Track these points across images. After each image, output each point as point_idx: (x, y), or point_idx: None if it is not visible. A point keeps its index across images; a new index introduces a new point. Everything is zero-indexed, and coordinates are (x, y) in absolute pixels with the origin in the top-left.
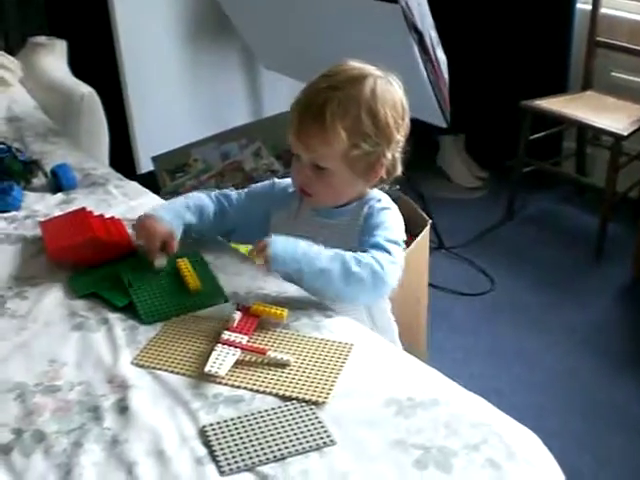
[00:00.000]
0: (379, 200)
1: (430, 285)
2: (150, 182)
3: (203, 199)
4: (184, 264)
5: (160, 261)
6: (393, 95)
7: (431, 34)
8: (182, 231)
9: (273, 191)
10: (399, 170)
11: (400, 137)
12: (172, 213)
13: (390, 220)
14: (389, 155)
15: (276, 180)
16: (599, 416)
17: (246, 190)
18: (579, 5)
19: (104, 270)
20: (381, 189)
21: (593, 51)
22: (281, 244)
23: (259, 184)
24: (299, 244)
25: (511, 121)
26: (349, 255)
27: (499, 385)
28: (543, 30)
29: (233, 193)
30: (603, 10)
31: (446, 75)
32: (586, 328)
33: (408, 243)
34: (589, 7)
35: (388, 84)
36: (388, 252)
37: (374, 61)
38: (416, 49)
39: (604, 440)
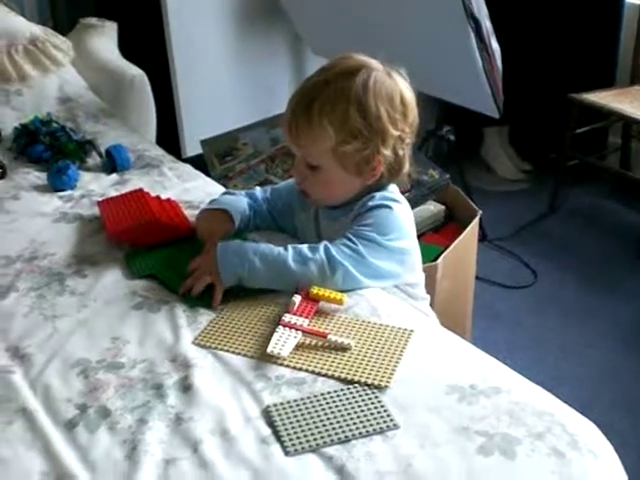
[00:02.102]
0: (373, 197)
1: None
2: (196, 166)
3: (244, 200)
4: None
5: None
6: (390, 89)
7: (486, 24)
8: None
9: (295, 189)
10: (406, 168)
11: (398, 133)
12: (235, 209)
13: (378, 218)
14: (386, 152)
15: None
16: None
17: (270, 187)
18: (628, 0)
19: (160, 252)
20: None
21: None
22: (228, 249)
23: (283, 182)
24: (244, 244)
25: (555, 114)
26: (305, 244)
27: (541, 379)
28: (592, 24)
29: (259, 192)
30: None
31: (500, 65)
32: (630, 323)
33: (455, 233)
34: (638, 2)
35: (386, 77)
36: (352, 242)
37: (430, 50)
38: (473, 38)
39: None
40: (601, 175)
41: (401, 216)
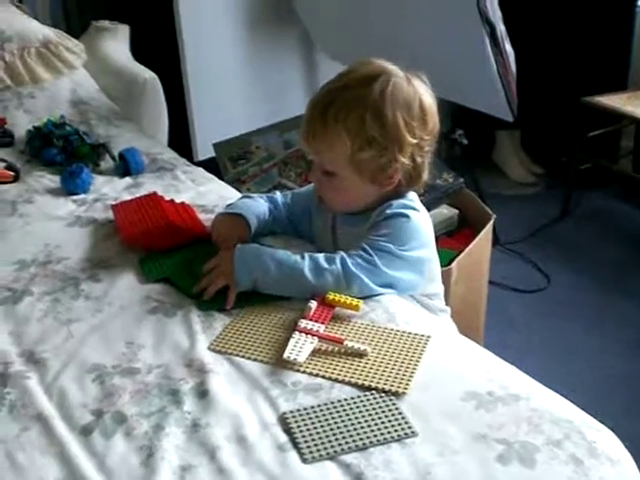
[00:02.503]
0: (390, 205)
1: None
2: (208, 170)
3: (263, 204)
4: None
5: None
6: (408, 95)
7: (500, 27)
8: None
9: (312, 194)
10: (425, 176)
11: (415, 140)
12: (251, 214)
13: (394, 228)
14: (404, 160)
15: None
16: None
17: (290, 192)
18: None
19: (175, 256)
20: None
21: None
22: (245, 252)
23: (304, 187)
24: (262, 248)
25: (568, 117)
26: (321, 254)
27: (553, 384)
28: (604, 28)
29: (279, 197)
30: None
31: (514, 69)
32: None
33: (468, 237)
34: None
35: (405, 83)
36: (368, 254)
37: (444, 52)
38: (488, 41)
39: None
40: (614, 178)
41: (419, 225)
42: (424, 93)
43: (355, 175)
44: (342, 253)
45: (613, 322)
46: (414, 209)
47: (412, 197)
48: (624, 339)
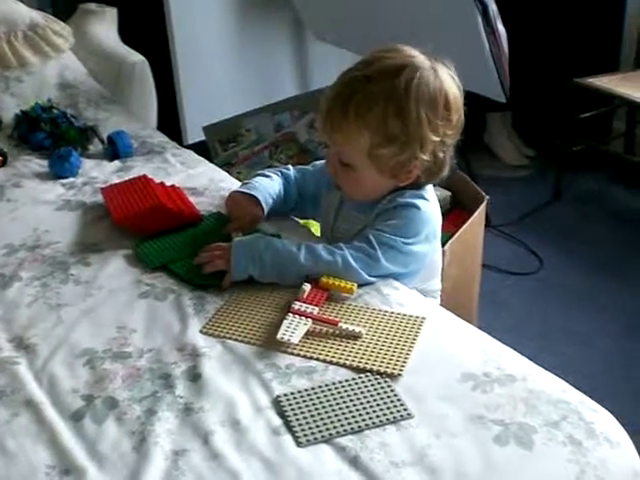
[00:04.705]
0: (403, 194)
1: None
2: (198, 153)
3: (278, 182)
4: None
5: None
6: (434, 91)
7: (492, 6)
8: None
9: (324, 171)
10: (446, 171)
11: (438, 138)
12: (266, 194)
13: (405, 219)
14: (425, 156)
15: None
16: None
17: (303, 168)
18: None
19: (170, 239)
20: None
21: None
22: (242, 249)
23: (318, 162)
24: (259, 242)
25: (559, 99)
26: (319, 245)
27: (547, 366)
28: (596, 8)
29: (291, 171)
30: None
31: (506, 49)
32: (636, 308)
33: (460, 219)
34: None
35: (432, 77)
36: (373, 248)
37: (435, 32)
38: (480, 20)
39: None
40: (605, 160)
41: (428, 216)
42: (450, 86)
43: (372, 169)
44: (344, 248)
45: (606, 304)
46: (424, 198)
47: (426, 187)
48: (617, 321)
